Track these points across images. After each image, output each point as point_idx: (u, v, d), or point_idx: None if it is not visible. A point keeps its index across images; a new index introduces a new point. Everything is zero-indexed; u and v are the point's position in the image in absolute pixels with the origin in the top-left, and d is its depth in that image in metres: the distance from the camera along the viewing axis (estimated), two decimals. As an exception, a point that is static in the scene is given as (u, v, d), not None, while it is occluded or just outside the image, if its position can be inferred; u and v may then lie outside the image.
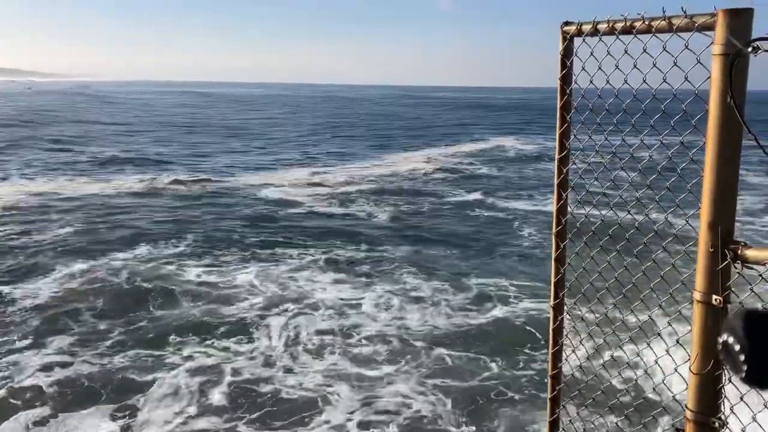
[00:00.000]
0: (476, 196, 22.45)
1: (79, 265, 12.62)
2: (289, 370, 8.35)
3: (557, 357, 2.75)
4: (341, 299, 11.11)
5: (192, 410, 7.31)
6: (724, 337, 1.23)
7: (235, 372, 8.32)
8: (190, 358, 8.72)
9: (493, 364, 8.71)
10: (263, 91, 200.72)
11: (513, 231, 17.07)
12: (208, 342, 9.28)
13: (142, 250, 13.92)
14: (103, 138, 40.77)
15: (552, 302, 2.68)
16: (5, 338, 9.18)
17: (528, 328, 9.96)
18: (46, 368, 8.29)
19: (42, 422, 7.07)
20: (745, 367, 1.20)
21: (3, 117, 54.43)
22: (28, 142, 36.34)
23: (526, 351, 9.14)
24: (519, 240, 15.98)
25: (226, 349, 9.06)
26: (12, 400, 7.49)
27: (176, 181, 23.66)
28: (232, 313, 10.36)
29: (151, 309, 10.50)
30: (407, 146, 40.12)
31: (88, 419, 7.13)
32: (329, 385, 7.94)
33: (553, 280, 2.66)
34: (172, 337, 9.40)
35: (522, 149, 39.37)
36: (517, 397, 7.86)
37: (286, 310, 10.49)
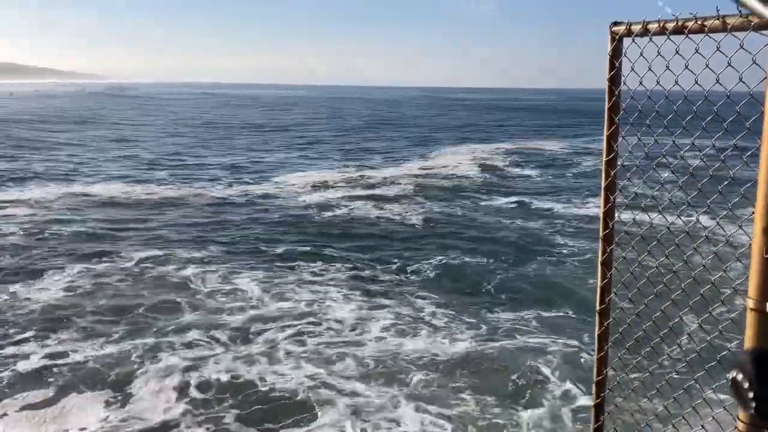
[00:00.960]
0: (512, 198, 22.18)
1: (93, 265, 12.87)
2: (266, 380, 8.20)
3: (602, 363, 2.71)
4: (352, 317, 10.61)
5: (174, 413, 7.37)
6: (733, 373, 1.31)
7: (215, 376, 8.27)
8: (173, 363, 8.70)
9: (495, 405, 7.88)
10: (305, 93, 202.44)
11: (548, 237, 16.65)
12: (199, 349, 9.16)
13: (158, 253, 13.98)
14: (141, 139, 41.66)
15: (598, 307, 2.64)
16: (10, 330, 9.51)
17: (544, 367, 9.01)
18: (44, 357, 8.64)
19: (37, 406, 7.39)
20: (753, 405, 1.27)
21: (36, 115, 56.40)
22: (78, 140, 37.46)
23: (543, 394, 8.20)
24: (553, 248, 15.50)
25: (216, 357, 8.95)
26: (13, 386, 7.84)
27: (210, 184, 24.01)
28: (231, 323, 10.13)
29: (153, 312, 10.49)
30: (446, 146, 39.90)
31: (78, 406, 7.39)
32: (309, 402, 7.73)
33: (599, 284, 2.61)
34: (167, 339, 9.43)
35: (560, 151, 38.88)
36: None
37: (290, 324, 10.16)
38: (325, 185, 24.21)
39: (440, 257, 14.36)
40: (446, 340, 9.67)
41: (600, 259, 2.63)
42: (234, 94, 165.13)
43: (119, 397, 7.59)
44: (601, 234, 2.61)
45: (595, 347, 2.70)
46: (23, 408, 7.35)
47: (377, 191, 23.00)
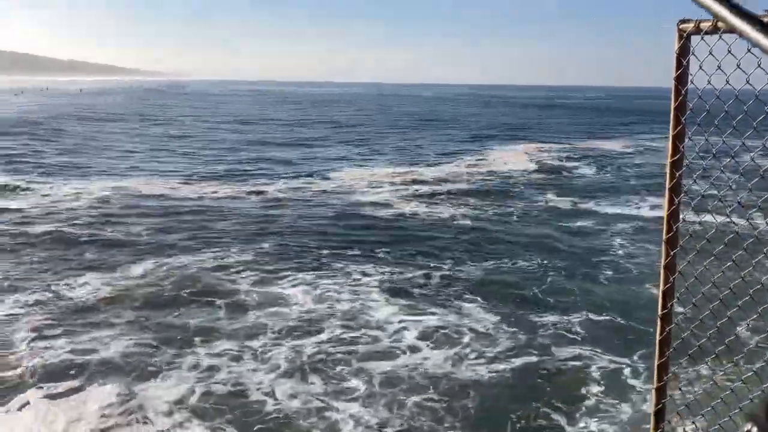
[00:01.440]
0: (567, 199, 21.73)
1: (138, 263, 13.05)
2: (276, 395, 7.98)
3: (663, 369, 2.63)
4: (393, 321, 10.42)
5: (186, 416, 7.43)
6: (748, 426, 1.25)
7: (237, 383, 8.20)
8: (206, 364, 8.73)
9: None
10: (360, 90, 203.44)
11: (603, 240, 16.20)
12: (223, 356, 9.12)
13: (206, 251, 14.08)
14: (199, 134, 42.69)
15: (660, 312, 2.57)
16: (46, 324, 9.79)
17: (593, 376, 8.71)
18: (72, 352, 8.88)
19: (57, 396, 7.69)
20: None
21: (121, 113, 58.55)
22: (146, 135, 38.79)
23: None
24: (609, 252, 15.02)
25: (247, 358, 8.94)
26: (40, 376, 8.14)
27: (264, 180, 24.44)
28: (263, 328, 10.02)
29: (188, 313, 10.52)
30: (499, 145, 39.41)
31: (93, 399, 7.63)
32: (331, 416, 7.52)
33: (661, 288, 2.54)
34: (198, 338, 9.49)
35: (616, 150, 37.89)
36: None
37: (325, 330, 10.00)
38: (376, 183, 24.31)
39: (490, 260, 14.12)
40: (488, 350, 9.38)
41: (663, 262, 2.56)
42: (290, 92, 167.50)
43: (131, 395, 7.75)
44: (664, 237, 2.54)
45: (656, 353, 2.63)
46: (45, 396, 7.68)
47: (428, 190, 22.93)
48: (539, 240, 16.08)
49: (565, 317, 10.77)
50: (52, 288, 11.42)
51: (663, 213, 2.56)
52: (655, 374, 2.66)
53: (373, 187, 23.44)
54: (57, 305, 10.62)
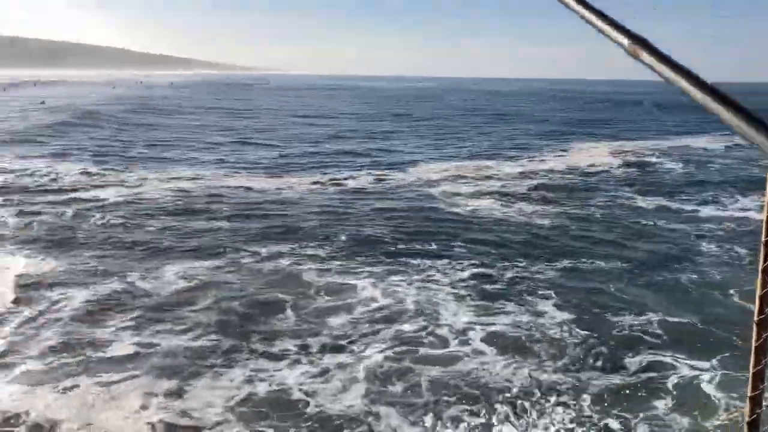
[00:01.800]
0: (653, 198, 20.80)
1: (210, 258, 13.21)
2: (328, 403, 7.77)
3: (758, 377, 2.51)
4: (462, 321, 10.15)
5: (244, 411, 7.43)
6: None
7: (289, 383, 8.15)
8: (264, 361, 8.72)
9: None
10: (432, 84, 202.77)
11: (691, 242, 15.35)
12: (289, 349, 9.12)
13: (279, 246, 14.10)
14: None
15: (756, 318, 2.44)
16: (113, 316, 10.08)
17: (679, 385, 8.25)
18: (137, 344, 9.12)
19: (109, 385, 7.91)
20: None
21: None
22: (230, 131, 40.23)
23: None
24: (697, 254, 14.17)
25: (305, 358, 8.88)
26: (96, 366, 8.40)
27: (343, 173, 24.78)
28: (328, 329, 9.91)
29: (253, 310, 10.52)
30: (582, 141, 38.22)
31: (145, 391, 7.79)
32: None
33: (758, 293, 2.41)
34: (260, 335, 9.51)
35: (708, 147, 36.00)
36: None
37: (392, 330, 9.82)
38: (452, 178, 24.20)
39: (566, 259, 13.70)
40: (559, 354, 9.02)
41: (761, 266, 2.43)
42: (371, 87, 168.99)
43: (182, 390, 7.86)
44: (763, 238, 2.42)
45: (751, 360, 2.51)
46: (96, 384, 7.93)
47: (504, 186, 22.62)
48: (619, 239, 15.53)
49: (643, 319, 10.36)
50: (128, 279, 11.77)
51: (763, 215, 2.42)
52: (750, 382, 2.53)
53: (449, 182, 23.35)
54: (131, 296, 10.95)
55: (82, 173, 22.95)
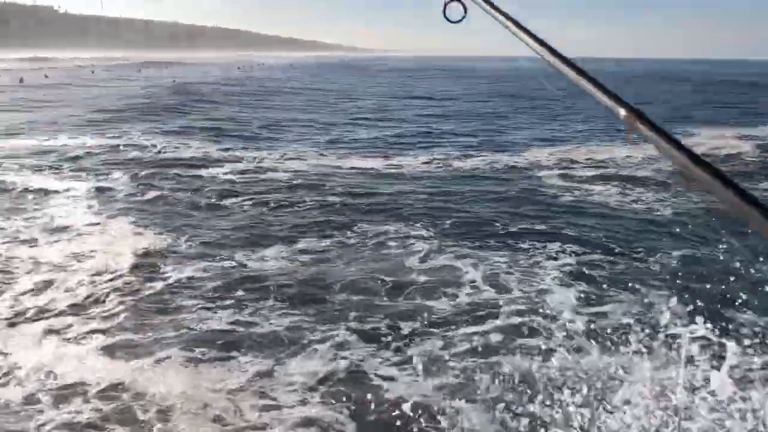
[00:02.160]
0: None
1: (318, 239, 13.27)
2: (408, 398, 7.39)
3: None
4: (565, 311, 9.53)
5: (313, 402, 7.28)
6: None
7: (373, 369, 7.89)
8: (353, 346, 8.54)
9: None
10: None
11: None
12: (383, 330, 8.96)
13: (390, 227, 14.06)
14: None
15: None
16: (216, 295, 10.23)
17: None
18: (235, 323, 9.20)
19: (197, 361, 8.03)
20: None
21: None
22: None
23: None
24: None
25: (395, 344, 8.61)
26: (189, 342, 8.55)
27: (454, 153, 24.50)
28: (434, 309, 9.67)
29: (350, 294, 10.38)
30: (710, 126, 35.11)
31: (229, 370, 7.87)
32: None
33: None
34: (356, 318, 9.31)
35: None
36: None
37: (494, 313, 9.45)
38: (567, 162, 23.27)
39: (687, 248, 12.70)
40: (674, 360, 8.04)
41: None
42: (488, 68, 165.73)
43: (270, 371, 7.90)
44: None
45: None
46: (189, 360, 8.10)
47: (624, 172, 21.38)
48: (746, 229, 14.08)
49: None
50: (235, 257, 12.05)
51: None
52: None
53: (562, 166, 22.49)
54: (237, 273, 11.23)
55: (201, 151, 24.30)
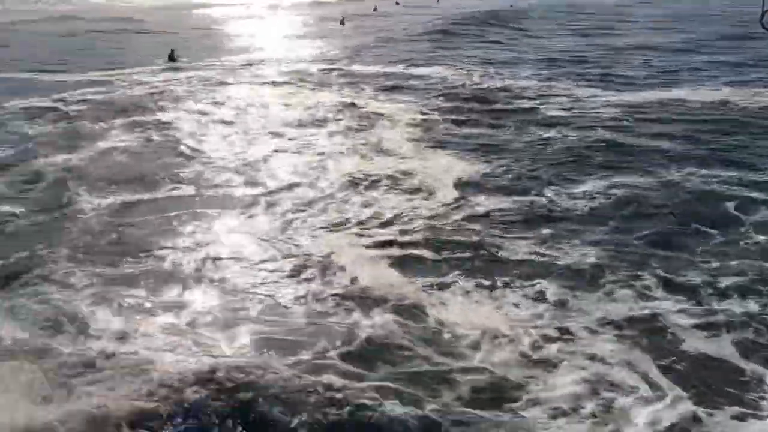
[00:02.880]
0: None
1: (628, 176, 12.52)
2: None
3: None
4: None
5: None
6: None
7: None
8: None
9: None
10: None
11: None
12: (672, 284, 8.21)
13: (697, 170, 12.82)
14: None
15: None
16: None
17: None
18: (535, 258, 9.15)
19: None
20: None
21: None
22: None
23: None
24: None
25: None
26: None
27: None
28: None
29: (663, 235, 9.74)
30: None
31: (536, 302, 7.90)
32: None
33: None
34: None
35: None
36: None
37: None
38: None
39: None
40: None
41: None
42: None
43: (565, 302, 7.90)
44: None
45: None
46: (477, 287, 8.33)
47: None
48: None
49: None
50: (546, 193, 11.92)
51: None
52: None
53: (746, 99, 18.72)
54: (543, 209, 11.10)
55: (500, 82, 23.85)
